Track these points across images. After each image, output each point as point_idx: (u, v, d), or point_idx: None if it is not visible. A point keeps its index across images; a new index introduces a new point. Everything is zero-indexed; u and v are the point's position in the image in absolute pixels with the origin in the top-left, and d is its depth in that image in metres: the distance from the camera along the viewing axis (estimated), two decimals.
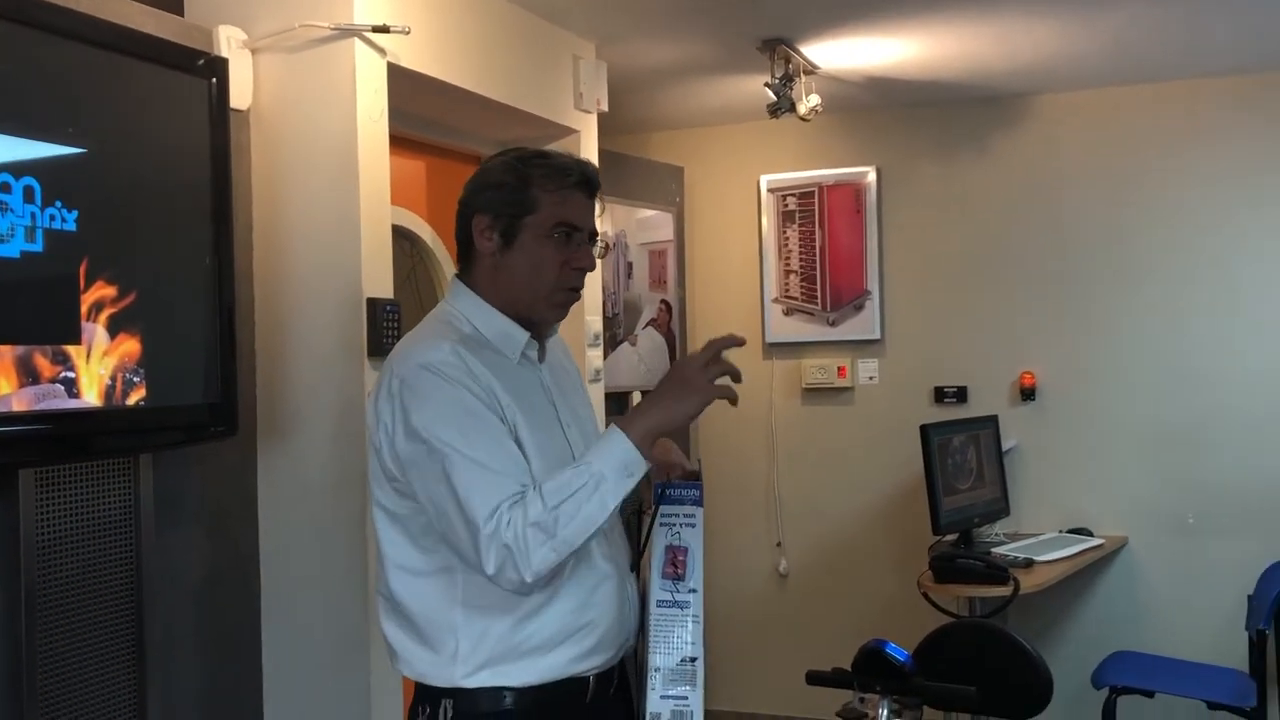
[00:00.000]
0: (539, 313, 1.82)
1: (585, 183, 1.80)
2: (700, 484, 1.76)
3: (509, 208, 1.77)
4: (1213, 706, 3.58)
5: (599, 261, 1.90)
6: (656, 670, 1.68)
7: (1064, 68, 4.08)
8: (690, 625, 1.70)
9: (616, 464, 1.63)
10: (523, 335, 1.82)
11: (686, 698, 1.66)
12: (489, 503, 1.62)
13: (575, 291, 1.83)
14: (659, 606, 1.71)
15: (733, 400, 1.68)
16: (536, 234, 1.77)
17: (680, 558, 1.71)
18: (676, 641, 1.69)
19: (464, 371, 1.70)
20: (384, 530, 1.77)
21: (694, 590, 1.70)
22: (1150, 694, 3.64)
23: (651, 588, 1.73)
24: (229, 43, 2.59)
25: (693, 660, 1.68)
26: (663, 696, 1.66)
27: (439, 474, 1.65)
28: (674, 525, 1.73)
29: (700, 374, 1.68)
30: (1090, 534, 4.24)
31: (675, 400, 1.68)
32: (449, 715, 1.73)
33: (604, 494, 1.62)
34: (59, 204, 2.02)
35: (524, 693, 1.73)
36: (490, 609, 1.70)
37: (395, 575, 1.77)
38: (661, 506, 1.75)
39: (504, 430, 1.69)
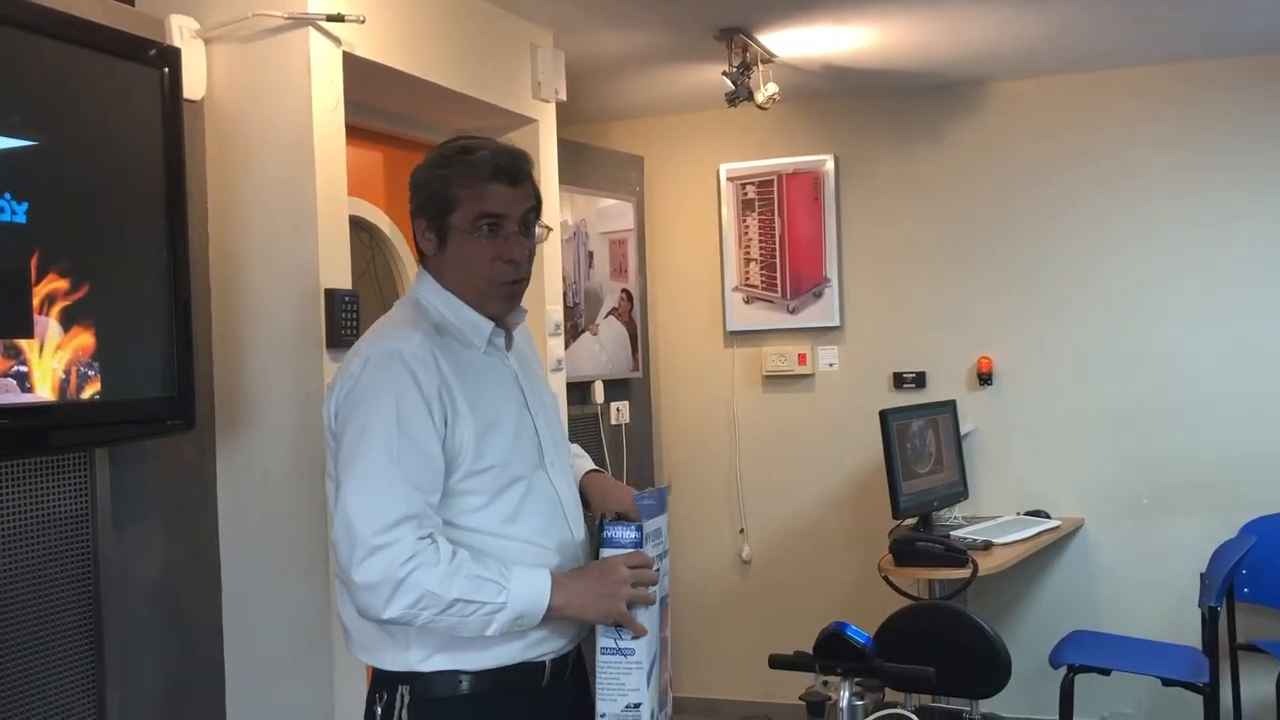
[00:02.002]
0: (485, 306, 1.83)
1: (500, 172, 1.79)
2: (640, 525, 1.73)
3: (435, 208, 1.80)
4: (1167, 683, 3.64)
5: (550, 249, 1.92)
6: (602, 716, 1.69)
7: (1016, 55, 4.12)
8: (634, 672, 1.69)
9: (523, 607, 1.68)
10: (487, 325, 1.83)
11: None
12: (389, 514, 1.64)
13: (516, 283, 1.84)
14: (603, 654, 1.71)
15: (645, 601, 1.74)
16: (461, 230, 1.79)
17: None
18: (620, 688, 1.69)
19: (429, 366, 1.72)
20: None
21: (636, 637, 1.70)
22: (1107, 672, 3.70)
23: (596, 634, 1.73)
24: (181, 32, 2.56)
25: (636, 706, 1.68)
26: None
27: (354, 458, 1.68)
28: None
29: (625, 592, 1.71)
30: (1047, 516, 4.30)
31: (593, 601, 1.71)
32: (405, 702, 1.74)
33: (494, 621, 1.67)
34: (8, 196, 1.99)
35: (480, 677, 1.74)
36: None
37: None
38: (601, 550, 1.74)
39: (437, 444, 1.70)
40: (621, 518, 1.77)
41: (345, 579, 1.66)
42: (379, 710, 1.76)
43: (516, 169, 1.81)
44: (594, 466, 2.02)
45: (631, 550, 1.73)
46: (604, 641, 1.70)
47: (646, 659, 1.70)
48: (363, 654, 1.80)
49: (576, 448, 2.06)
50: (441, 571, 1.64)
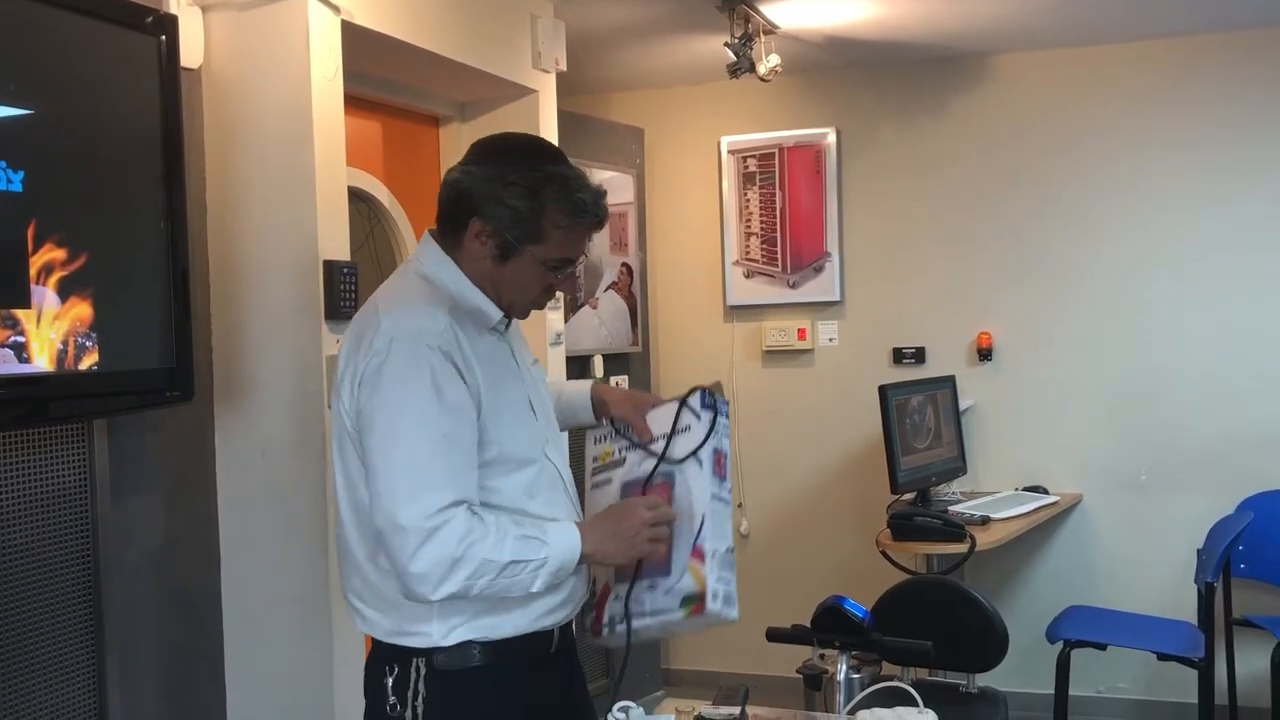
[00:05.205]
0: (510, 313, 1.86)
1: (598, 223, 1.80)
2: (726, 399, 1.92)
3: (514, 231, 1.75)
4: (1163, 658, 3.66)
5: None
6: (713, 554, 1.82)
7: (1020, 28, 4.09)
8: (729, 520, 1.88)
9: (562, 558, 1.72)
10: (496, 314, 1.83)
11: (730, 581, 1.83)
12: (438, 499, 1.63)
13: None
14: (713, 500, 1.85)
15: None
16: (534, 262, 1.78)
17: (723, 460, 1.87)
18: (724, 532, 1.85)
19: (455, 348, 1.70)
20: (359, 493, 1.75)
21: (730, 489, 1.89)
22: (1103, 647, 3.72)
23: (704, 483, 1.86)
24: None
25: (730, 550, 1.84)
26: (716, 578, 1.80)
27: (393, 443, 1.66)
28: (721, 433, 1.88)
29: (643, 533, 1.78)
30: (1045, 492, 4.31)
31: (615, 546, 1.78)
32: (421, 674, 1.74)
33: (540, 577, 1.69)
34: (4, 164, 1.97)
35: (494, 647, 1.75)
36: None
37: (368, 539, 1.75)
38: (719, 419, 1.88)
39: (473, 423, 1.70)
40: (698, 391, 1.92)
41: (400, 569, 1.64)
42: (390, 683, 1.76)
43: (606, 218, 1.82)
44: (589, 381, 2.10)
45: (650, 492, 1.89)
46: (713, 489, 1.85)
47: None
48: (380, 634, 1.78)
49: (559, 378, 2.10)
50: (493, 538, 1.65)
